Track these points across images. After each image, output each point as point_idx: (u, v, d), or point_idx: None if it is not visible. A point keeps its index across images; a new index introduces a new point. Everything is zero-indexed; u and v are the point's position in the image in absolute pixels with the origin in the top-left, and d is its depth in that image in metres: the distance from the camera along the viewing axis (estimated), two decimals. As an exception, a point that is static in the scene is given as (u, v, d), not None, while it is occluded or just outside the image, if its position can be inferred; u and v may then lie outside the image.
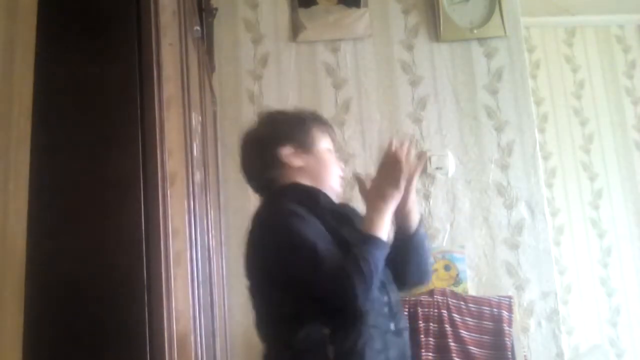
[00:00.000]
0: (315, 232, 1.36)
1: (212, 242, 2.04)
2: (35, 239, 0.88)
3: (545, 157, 3.62)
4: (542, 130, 3.64)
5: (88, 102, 0.94)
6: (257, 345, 2.84)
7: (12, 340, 0.88)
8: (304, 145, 1.54)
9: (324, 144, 1.59)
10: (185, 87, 1.49)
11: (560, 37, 3.85)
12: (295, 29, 2.94)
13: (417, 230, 1.49)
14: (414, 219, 1.48)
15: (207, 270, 1.83)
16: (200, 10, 2.34)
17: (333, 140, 1.64)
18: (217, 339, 2.02)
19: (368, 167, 2.82)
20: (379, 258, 1.33)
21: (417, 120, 2.86)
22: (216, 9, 2.72)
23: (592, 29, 3.86)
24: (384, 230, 1.37)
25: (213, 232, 2.09)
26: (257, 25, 2.95)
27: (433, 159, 2.80)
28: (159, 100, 0.99)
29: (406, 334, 1.44)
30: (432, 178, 2.80)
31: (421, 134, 2.85)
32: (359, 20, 2.95)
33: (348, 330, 1.32)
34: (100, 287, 0.88)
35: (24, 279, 0.87)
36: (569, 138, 3.74)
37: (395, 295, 1.43)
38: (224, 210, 2.71)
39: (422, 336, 2.44)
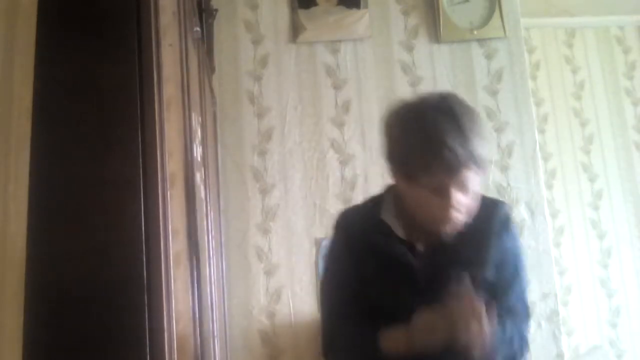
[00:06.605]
0: None
1: (212, 243, 2.04)
2: (35, 240, 0.88)
3: (545, 158, 3.62)
4: (542, 131, 3.64)
5: (88, 103, 0.94)
6: (256, 346, 2.84)
7: (12, 342, 0.87)
8: None
9: None
10: (185, 88, 1.49)
11: (560, 38, 3.85)
12: (295, 30, 2.94)
13: None
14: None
15: (207, 271, 1.83)
16: (201, 11, 2.34)
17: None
18: (217, 340, 2.02)
19: (368, 168, 2.82)
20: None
21: (417, 121, 2.86)
22: (216, 10, 2.72)
23: (592, 30, 3.86)
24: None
25: (213, 233, 2.08)
26: (257, 26, 2.95)
27: (433, 159, 2.79)
28: (159, 101, 0.99)
29: None
30: (432, 179, 2.80)
31: (421, 134, 2.85)
32: (359, 21, 2.95)
33: None
34: (100, 288, 0.88)
35: (24, 280, 0.87)
36: (569, 139, 3.74)
37: None
38: (224, 211, 2.71)
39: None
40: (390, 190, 1.41)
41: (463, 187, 1.21)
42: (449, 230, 1.26)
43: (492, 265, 1.34)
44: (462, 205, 1.22)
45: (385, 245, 1.33)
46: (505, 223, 1.38)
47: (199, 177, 1.73)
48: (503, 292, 1.36)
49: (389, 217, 1.36)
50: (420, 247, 1.34)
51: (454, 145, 1.16)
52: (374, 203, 1.42)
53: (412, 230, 1.34)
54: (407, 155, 1.23)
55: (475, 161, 1.18)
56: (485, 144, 1.22)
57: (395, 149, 1.27)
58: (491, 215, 1.35)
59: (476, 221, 1.27)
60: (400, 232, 1.34)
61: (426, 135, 1.19)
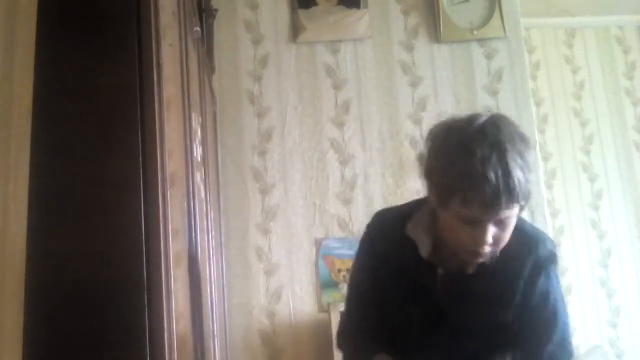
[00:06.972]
0: None
1: (212, 243, 2.04)
2: (35, 239, 0.88)
3: (545, 158, 3.62)
4: (542, 131, 3.64)
5: (88, 103, 0.94)
6: (256, 346, 2.83)
7: (12, 342, 0.87)
8: None
9: None
10: (185, 88, 1.49)
11: (560, 38, 3.85)
12: (295, 30, 2.94)
13: None
14: None
15: (207, 271, 1.83)
16: (200, 11, 2.34)
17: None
18: (217, 340, 2.02)
19: (368, 167, 2.82)
20: None
21: (417, 121, 2.86)
22: (216, 10, 2.72)
23: (592, 30, 3.86)
24: None
25: (213, 233, 2.08)
26: (257, 26, 2.95)
27: (433, 159, 2.79)
28: (159, 101, 0.99)
29: None
30: (432, 179, 2.79)
31: (421, 134, 2.85)
32: (359, 21, 2.95)
33: None
34: (100, 288, 0.88)
35: (24, 280, 0.87)
36: (569, 139, 3.74)
37: None
38: (224, 211, 2.71)
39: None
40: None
41: (501, 224, 1.13)
42: (477, 261, 1.20)
43: (519, 307, 1.26)
44: (496, 240, 1.15)
45: (405, 262, 1.29)
46: (543, 265, 1.27)
47: (199, 177, 1.73)
48: (541, 339, 1.29)
49: (418, 231, 1.28)
50: (441, 270, 1.27)
51: (497, 183, 1.05)
52: (413, 209, 1.33)
53: (438, 249, 1.26)
54: (445, 180, 1.12)
55: (518, 200, 1.09)
56: (532, 177, 1.11)
57: (434, 172, 1.16)
58: (527, 255, 1.25)
59: (508, 257, 1.20)
60: (425, 250, 1.26)
61: (468, 165, 1.07)
